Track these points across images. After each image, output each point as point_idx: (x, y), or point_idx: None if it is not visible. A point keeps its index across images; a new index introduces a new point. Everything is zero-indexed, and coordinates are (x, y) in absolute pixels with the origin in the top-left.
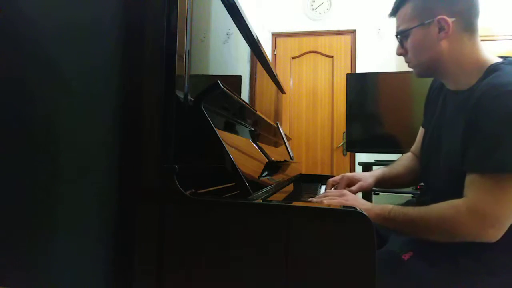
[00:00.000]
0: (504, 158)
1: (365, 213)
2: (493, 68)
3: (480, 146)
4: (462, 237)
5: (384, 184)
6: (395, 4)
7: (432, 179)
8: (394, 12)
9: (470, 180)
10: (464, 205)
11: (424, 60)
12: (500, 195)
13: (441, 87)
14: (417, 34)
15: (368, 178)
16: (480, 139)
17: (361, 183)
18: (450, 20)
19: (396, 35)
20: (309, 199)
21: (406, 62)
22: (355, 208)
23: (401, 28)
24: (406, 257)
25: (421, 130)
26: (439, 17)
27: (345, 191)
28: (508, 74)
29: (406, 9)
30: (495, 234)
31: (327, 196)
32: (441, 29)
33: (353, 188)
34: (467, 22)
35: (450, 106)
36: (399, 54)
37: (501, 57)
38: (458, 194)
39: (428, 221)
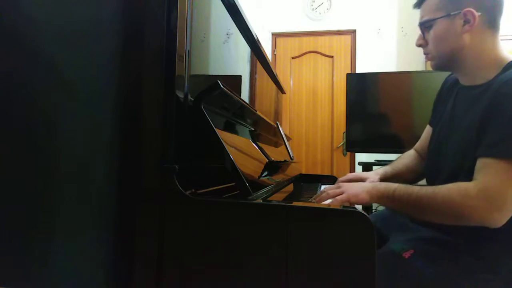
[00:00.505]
0: None
1: (364, 213)
2: (511, 65)
3: (498, 131)
4: (467, 220)
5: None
6: None
7: (440, 174)
8: (419, 3)
9: (483, 164)
10: (475, 188)
11: (444, 51)
12: (509, 179)
13: (452, 87)
14: (441, 25)
15: (374, 176)
16: (498, 124)
17: (370, 180)
18: (476, 13)
19: (420, 25)
20: (310, 199)
21: (425, 53)
22: (355, 208)
23: (425, 18)
24: (407, 255)
25: (427, 128)
26: (466, 9)
27: (342, 183)
28: None
29: (433, 0)
30: (500, 219)
31: (324, 192)
32: (466, 21)
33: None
34: (492, 19)
35: (463, 102)
36: (418, 45)
37: None
38: None
39: (434, 202)
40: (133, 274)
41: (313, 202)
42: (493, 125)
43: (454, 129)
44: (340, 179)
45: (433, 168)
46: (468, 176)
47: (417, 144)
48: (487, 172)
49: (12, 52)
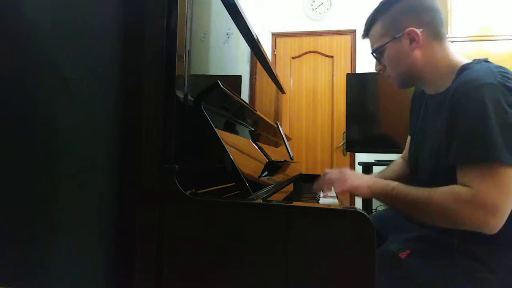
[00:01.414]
0: (483, 148)
1: (365, 213)
2: (464, 68)
3: (462, 137)
4: (463, 225)
5: None
6: (365, 25)
7: (421, 181)
8: (366, 34)
9: (464, 172)
10: (468, 193)
11: (402, 71)
12: (492, 183)
13: (422, 95)
14: (391, 48)
15: None
16: (460, 130)
17: None
18: (418, 30)
19: (372, 53)
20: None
21: (386, 76)
22: (355, 208)
23: (375, 46)
24: (403, 255)
25: (409, 138)
26: (408, 29)
27: (344, 170)
28: (475, 71)
29: (377, 28)
30: (495, 224)
31: (327, 174)
32: (412, 40)
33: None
34: (435, 31)
35: (430, 110)
36: (378, 70)
37: (475, 59)
38: None
39: (430, 205)
40: (133, 274)
41: (318, 188)
42: (458, 131)
43: (426, 137)
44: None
45: (413, 176)
46: (444, 179)
47: (404, 152)
48: (471, 179)
49: (12, 52)
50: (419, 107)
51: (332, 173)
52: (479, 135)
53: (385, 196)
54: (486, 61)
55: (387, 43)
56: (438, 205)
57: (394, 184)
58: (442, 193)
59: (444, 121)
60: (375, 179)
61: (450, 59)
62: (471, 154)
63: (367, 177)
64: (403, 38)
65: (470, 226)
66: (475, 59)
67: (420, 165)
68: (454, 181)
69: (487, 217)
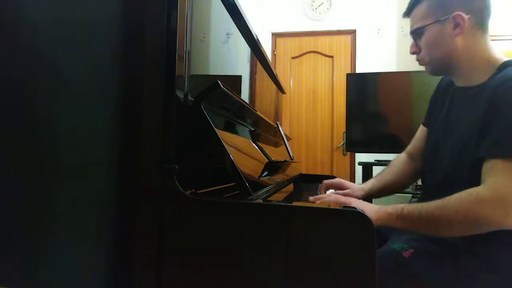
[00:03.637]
0: None
1: (366, 214)
2: (506, 64)
3: (499, 132)
4: (486, 226)
5: (374, 196)
6: (410, 3)
7: (437, 175)
8: (408, 12)
9: (490, 166)
10: (485, 191)
11: (438, 56)
12: None
13: (447, 88)
14: (433, 30)
15: (357, 190)
16: (498, 125)
17: (348, 191)
18: (466, 16)
19: (411, 33)
20: (315, 196)
21: (418, 60)
22: (355, 208)
23: (416, 26)
24: (406, 254)
25: (421, 129)
26: (455, 13)
27: (352, 199)
28: None
29: (421, 7)
30: None
31: (332, 196)
32: (456, 25)
33: (340, 193)
34: (481, 20)
35: (459, 102)
36: (412, 52)
37: None
38: (470, 187)
39: (447, 213)
40: (133, 274)
41: (316, 201)
42: (494, 125)
43: (451, 130)
44: (324, 181)
45: (430, 169)
46: (466, 176)
47: (410, 146)
48: (496, 173)
49: (12, 53)
50: (443, 99)
51: (338, 196)
52: None
53: (396, 218)
54: None
55: (429, 24)
56: (456, 210)
57: (402, 205)
58: (457, 198)
59: (478, 116)
60: (380, 205)
61: (490, 53)
62: (504, 149)
63: (370, 204)
64: (448, 21)
65: (491, 224)
66: None
67: (439, 158)
68: (473, 179)
69: (508, 212)
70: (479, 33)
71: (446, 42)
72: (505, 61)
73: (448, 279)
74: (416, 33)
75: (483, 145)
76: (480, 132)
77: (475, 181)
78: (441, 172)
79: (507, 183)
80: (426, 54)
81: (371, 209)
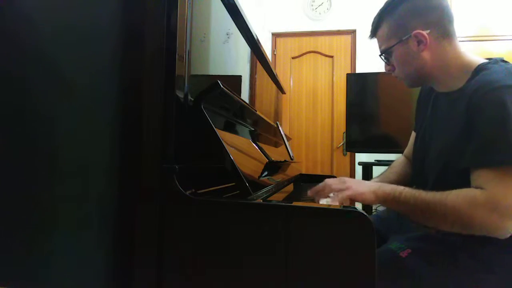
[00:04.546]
0: (502, 151)
1: (365, 213)
2: (481, 68)
3: (478, 142)
4: (479, 230)
5: None
6: (372, 26)
7: (426, 180)
8: (373, 34)
9: (477, 174)
10: (481, 196)
11: (411, 72)
12: (510, 187)
13: (430, 91)
14: (399, 50)
15: None
16: (477, 135)
17: None
18: (425, 32)
19: (380, 55)
20: (310, 190)
21: (395, 76)
22: (355, 208)
23: (382, 47)
24: (404, 254)
25: (413, 134)
26: (414, 32)
27: (346, 179)
28: (494, 72)
29: (383, 29)
30: (511, 228)
31: (327, 184)
32: (419, 42)
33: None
34: (443, 30)
35: (442, 106)
36: (387, 71)
37: (488, 59)
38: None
39: (444, 209)
40: (133, 274)
41: (313, 195)
42: (473, 136)
43: (435, 135)
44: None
45: (419, 173)
46: (453, 180)
47: (406, 150)
48: (485, 181)
49: (12, 53)
50: (426, 104)
51: (332, 181)
52: (498, 138)
53: (392, 200)
54: (503, 61)
55: (394, 45)
56: (452, 208)
57: (401, 188)
58: (456, 196)
59: (458, 122)
60: (379, 184)
61: (462, 58)
62: (489, 157)
63: (370, 182)
64: (410, 40)
65: (484, 230)
66: (491, 59)
67: (426, 164)
68: (462, 183)
69: (502, 221)
70: (445, 42)
71: (415, 58)
72: (479, 65)
73: (445, 279)
74: (385, 54)
75: (467, 153)
76: (462, 140)
77: (464, 186)
78: (429, 178)
79: (501, 190)
80: (399, 71)
81: (368, 188)
